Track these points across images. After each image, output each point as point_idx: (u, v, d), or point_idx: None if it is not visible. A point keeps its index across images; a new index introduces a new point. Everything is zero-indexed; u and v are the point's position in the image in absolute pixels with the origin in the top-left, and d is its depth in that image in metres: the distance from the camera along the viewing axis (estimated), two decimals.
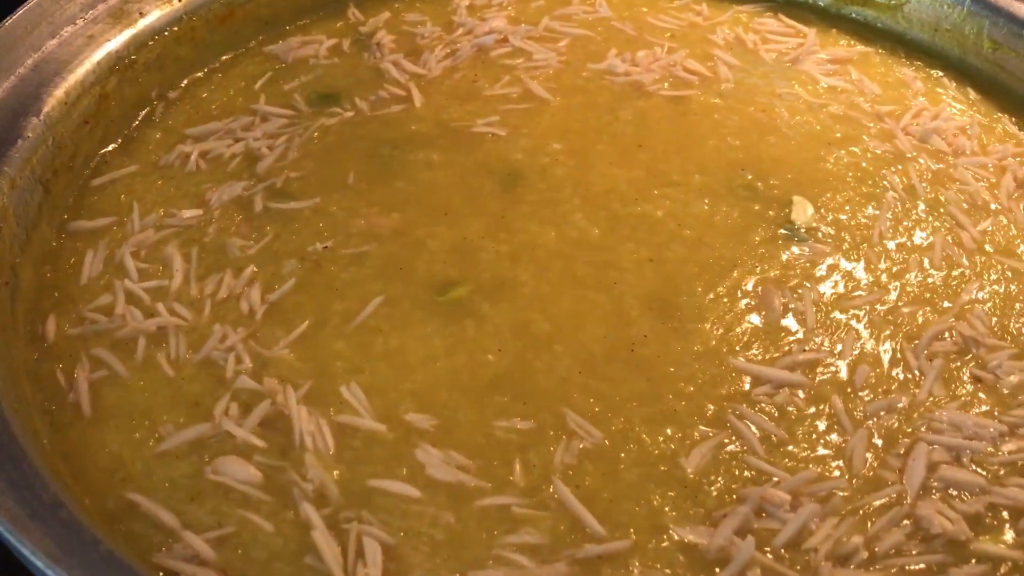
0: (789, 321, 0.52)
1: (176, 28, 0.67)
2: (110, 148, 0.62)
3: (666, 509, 0.44)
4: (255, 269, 0.54)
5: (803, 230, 0.57)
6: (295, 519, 0.43)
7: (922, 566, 0.42)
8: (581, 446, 0.46)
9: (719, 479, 0.45)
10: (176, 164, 0.61)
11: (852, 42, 0.73)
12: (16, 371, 0.47)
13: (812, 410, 0.48)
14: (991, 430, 0.46)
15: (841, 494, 0.44)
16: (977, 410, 0.48)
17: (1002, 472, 0.45)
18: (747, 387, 0.49)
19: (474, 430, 0.47)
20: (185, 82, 0.68)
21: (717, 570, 0.41)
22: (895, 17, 0.74)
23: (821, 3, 0.76)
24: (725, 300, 0.53)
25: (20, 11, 0.58)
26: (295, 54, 0.71)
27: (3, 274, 0.49)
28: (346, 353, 0.50)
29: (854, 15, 0.75)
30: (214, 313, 0.52)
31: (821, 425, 0.47)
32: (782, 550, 0.42)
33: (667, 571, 0.41)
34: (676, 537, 0.42)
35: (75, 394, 0.48)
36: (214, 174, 0.60)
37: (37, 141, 0.56)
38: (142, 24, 0.65)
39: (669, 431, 0.47)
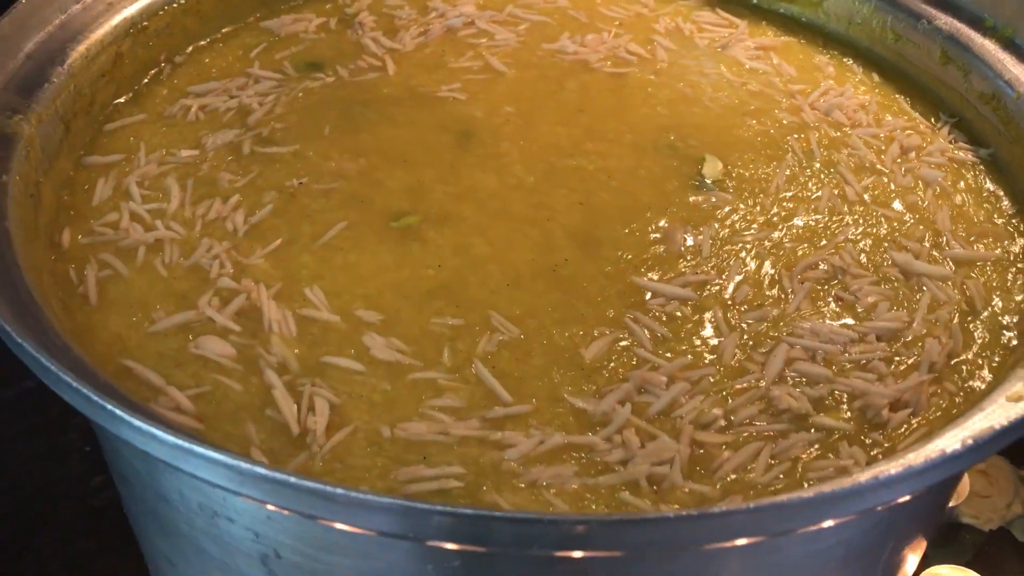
0: (687, 251, 0.61)
1: (184, 1, 0.77)
2: (123, 99, 0.72)
3: (564, 385, 0.53)
4: (240, 198, 0.64)
5: (711, 182, 0.67)
6: (260, 383, 0.52)
7: (769, 432, 0.51)
8: (501, 339, 0.55)
9: (611, 365, 0.54)
10: (179, 115, 0.71)
11: (778, 33, 0.83)
12: (37, 266, 0.56)
13: (696, 317, 0.57)
14: (843, 336, 0.56)
15: (710, 379, 0.53)
16: (835, 322, 0.57)
17: (847, 367, 0.54)
18: (645, 299, 0.58)
19: (413, 325, 0.56)
20: (190, 49, 0.78)
21: (599, 428, 0.51)
22: (816, 12, 0.83)
23: (754, 0, 0.86)
24: (637, 234, 0.63)
25: None
26: (287, 29, 0.81)
27: (29, 187, 0.59)
28: (311, 264, 0.59)
29: (782, 10, 0.85)
30: (203, 230, 0.61)
31: (701, 329, 0.56)
32: (654, 415, 0.51)
33: (559, 427, 0.51)
34: (569, 405, 0.52)
35: (84, 287, 0.57)
36: (210, 124, 0.70)
37: (61, 87, 0.66)
38: None
39: (575, 330, 0.56)
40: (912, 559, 0.59)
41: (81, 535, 0.84)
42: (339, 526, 0.43)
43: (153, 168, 0.66)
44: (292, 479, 0.40)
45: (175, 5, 0.76)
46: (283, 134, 0.70)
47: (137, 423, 0.40)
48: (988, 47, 0.72)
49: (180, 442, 0.40)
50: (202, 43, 0.79)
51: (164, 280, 0.58)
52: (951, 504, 0.89)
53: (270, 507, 0.45)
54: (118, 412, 0.40)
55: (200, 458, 0.40)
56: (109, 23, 0.71)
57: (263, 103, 0.72)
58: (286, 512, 0.44)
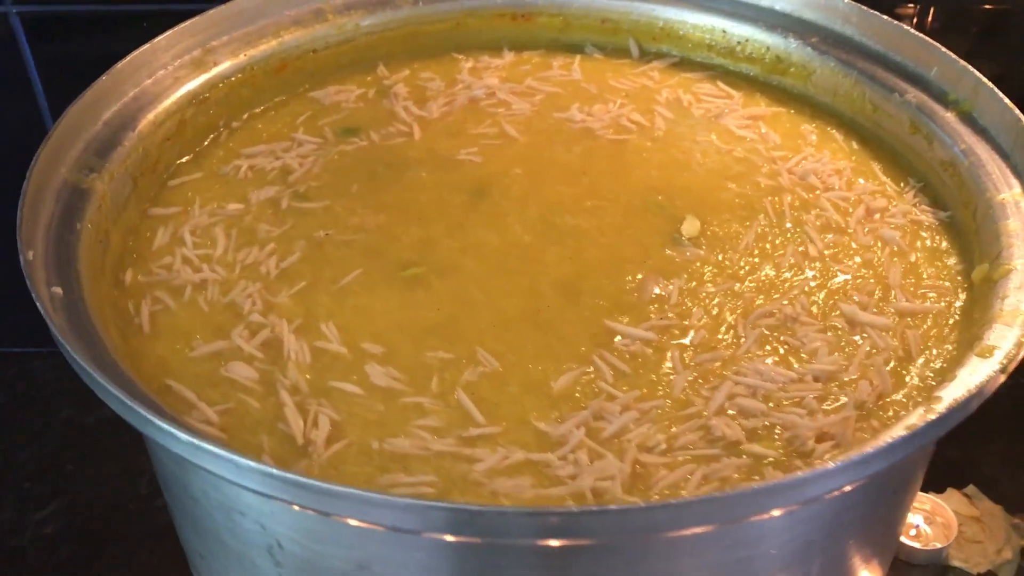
0: (657, 300, 0.70)
1: (241, 75, 0.89)
2: (184, 160, 0.84)
3: (532, 411, 0.61)
4: (274, 246, 0.74)
5: (687, 239, 0.75)
6: (275, 401, 0.62)
7: (703, 456, 0.58)
8: (482, 370, 0.64)
9: (575, 395, 0.62)
10: (231, 173, 0.83)
11: (770, 104, 0.91)
12: (101, 300, 0.67)
13: (656, 357, 0.65)
14: (784, 377, 0.63)
15: (658, 410, 0.61)
16: (779, 365, 0.65)
17: (784, 403, 0.62)
18: (614, 340, 0.66)
19: (409, 357, 0.65)
20: (246, 115, 0.90)
21: (556, 448, 0.59)
22: (806, 85, 0.91)
23: (750, 73, 0.94)
24: (615, 284, 0.71)
25: (127, 59, 0.80)
26: (331, 99, 0.92)
27: (99, 235, 0.70)
28: (328, 304, 0.69)
29: (775, 83, 0.93)
30: (241, 273, 0.72)
31: (659, 367, 0.64)
32: (605, 439, 0.59)
33: (522, 446, 0.59)
34: (534, 428, 0.60)
35: (139, 318, 0.68)
36: (257, 181, 0.82)
37: (131, 149, 0.77)
38: (215, 71, 0.87)
39: (548, 364, 0.65)
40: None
41: (145, 550, 0.96)
42: (331, 518, 0.52)
43: (205, 219, 0.77)
44: (288, 475, 0.49)
45: (233, 79, 0.88)
46: (317, 191, 0.80)
47: (159, 423, 0.50)
48: (949, 119, 0.79)
49: (194, 440, 0.50)
50: (256, 110, 0.90)
51: (205, 314, 0.69)
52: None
53: (272, 501, 0.54)
54: (142, 411, 0.50)
55: (211, 454, 0.50)
56: (175, 94, 0.83)
57: (303, 164, 0.83)
58: (282, 504, 0.53)
